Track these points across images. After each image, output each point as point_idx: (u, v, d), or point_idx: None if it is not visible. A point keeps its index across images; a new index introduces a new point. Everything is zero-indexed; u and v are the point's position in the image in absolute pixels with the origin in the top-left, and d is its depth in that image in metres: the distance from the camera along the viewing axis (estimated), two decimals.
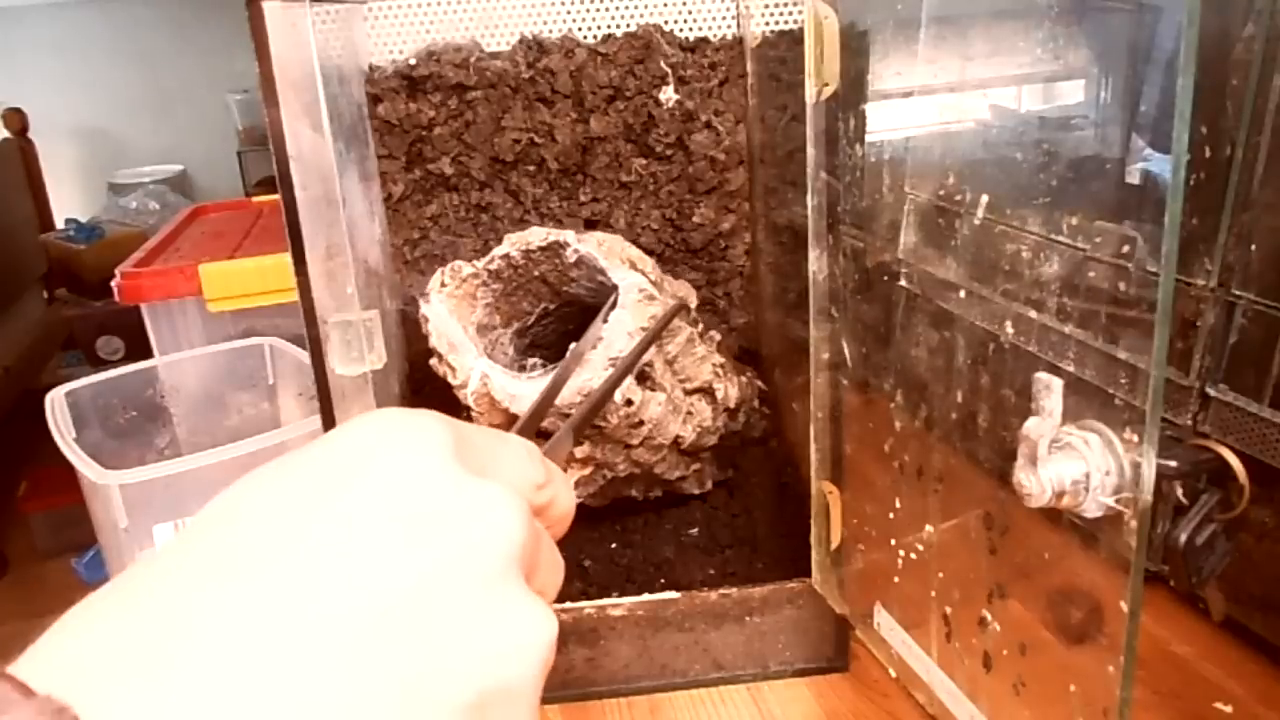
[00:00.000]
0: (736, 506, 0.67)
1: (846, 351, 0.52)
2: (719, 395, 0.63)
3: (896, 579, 0.49)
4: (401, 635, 0.18)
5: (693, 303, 0.67)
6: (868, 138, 0.48)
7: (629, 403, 0.54)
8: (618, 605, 0.56)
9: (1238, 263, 0.47)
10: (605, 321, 0.53)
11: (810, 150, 0.50)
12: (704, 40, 0.69)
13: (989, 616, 0.42)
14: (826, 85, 0.48)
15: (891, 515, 0.49)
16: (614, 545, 0.64)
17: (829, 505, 0.54)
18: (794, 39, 0.63)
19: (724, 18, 0.69)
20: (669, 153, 0.70)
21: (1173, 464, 0.46)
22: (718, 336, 0.67)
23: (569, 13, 0.68)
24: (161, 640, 0.16)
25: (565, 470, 0.27)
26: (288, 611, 0.17)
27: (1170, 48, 0.30)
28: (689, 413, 0.61)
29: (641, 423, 0.56)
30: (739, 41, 0.69)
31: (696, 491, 0.66)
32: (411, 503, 0.19)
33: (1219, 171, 0.47)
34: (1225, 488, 0.46)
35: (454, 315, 0.57)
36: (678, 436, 0.60)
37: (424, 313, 0.57)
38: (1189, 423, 0.51)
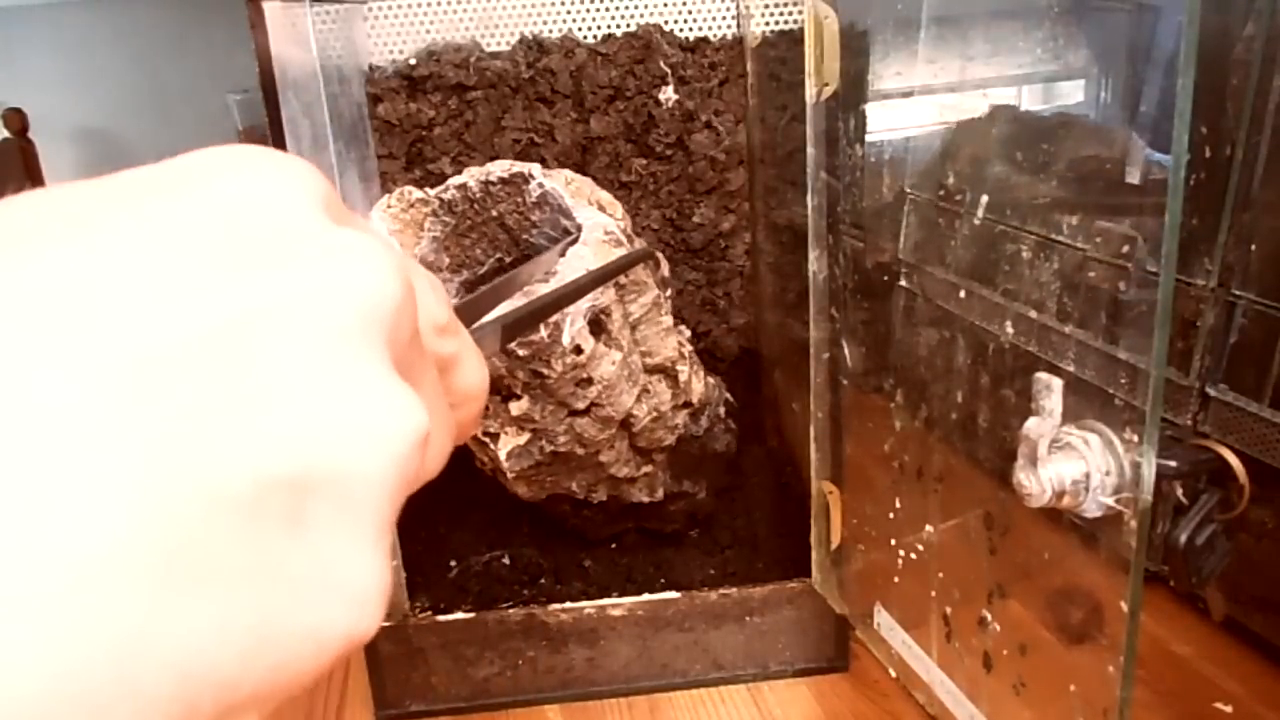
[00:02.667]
0: (736, 507, 0.67)
1: (846, 351, 0.52)
2: (681, 379, 0.56)
3: (896, 579, 0.49)
4: (199, 371, 0.13)
5: (664, 267, 0.60)
6: (868, 138, 0.48)
7: (578, 350, 0.48)
8: (618, 605, 0.56)
9: (1238, 263, 0.47)
10: (562, 256, 0.47)
11: (810, 150, 0.50)
12: (704, 40, 0.69)
13: (989, 616, 0.42)
14: (826, 85, 0.49)
15: (891, 515, 0.49)
16: (614, 545, 0.64)
17: (829, 505, 0.54)
18: (794, 39, 0.63)
19: (724, 18, 0.69)
20: (669, 153, 0.70)
21: (1173, 464, 0.46)
22: (687, 331, 0.62)
23: (569, 13, 0.68)
24: None
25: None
26: (40, 302, 0.13)
27: (1170, 48, 0.30)
28: (646, 390, 0.54)
29: (590, 380, 0.49)
30: (739, 41, 0.69)
31: (646, 499, 0.60)
32: (256, 223, 0.15)
33: (1219, 171, 0.47)
34: (1225, 488, 0.46)
35: (393, 238, 0.51)
36: (630, 415, 0.53)
37: None
38: (1189, 423, 0.51)
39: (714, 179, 0.71)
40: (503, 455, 0.52)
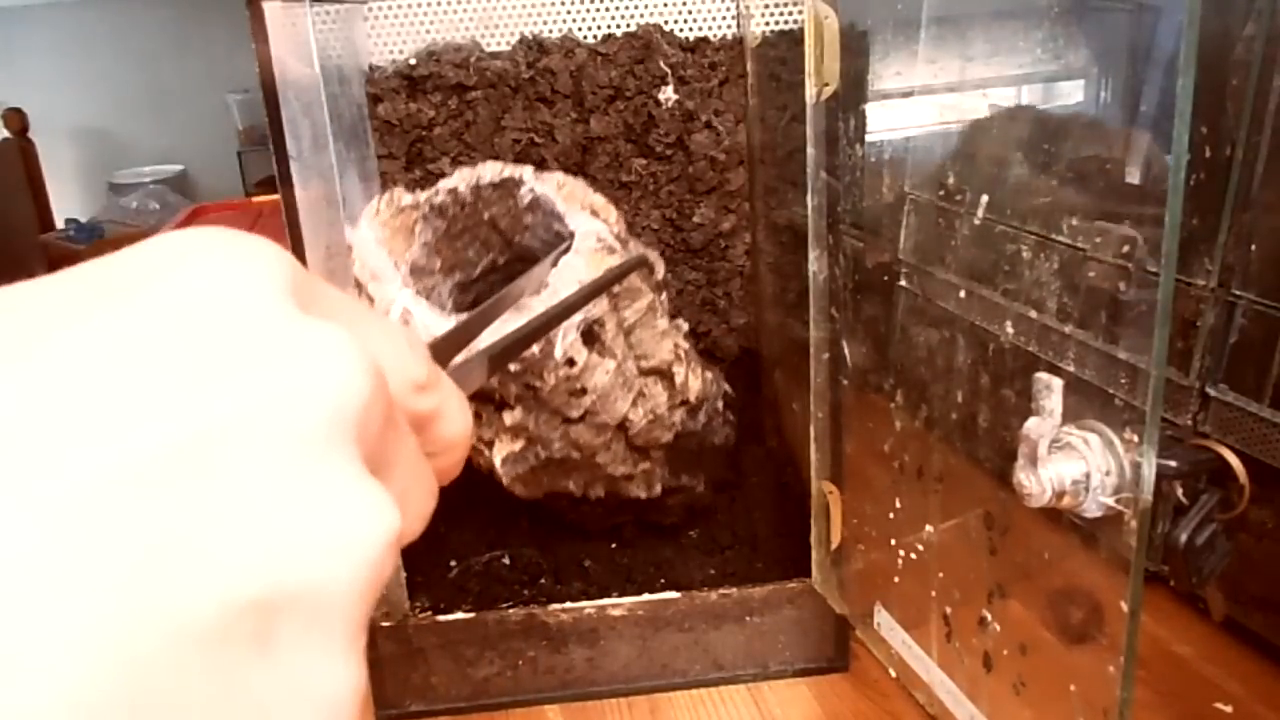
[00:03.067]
0: (736, 506, 0.67)
1: (846, 351, 0.52)
2: (677, 381, 0.56)
3: (896, 579, 0.49)
4: (158, 496, 0.12)
5: (659, 269, 0.59)
6: (868, 138, 0.48)
7: (570, 363, 0.47)
8: (618, 605, 0.56)
9: (1238, 263, 0.48)
10: (554, 266, 0.46)
11: (810, 150, 0.50)
12: (704, 40, 0.69)
13: (989, 616, 0.42)
14: (826, 85, 0.49)
15: (891, 515, 0.49)
16: (614, 545, 0.64)
17: (829, 505, 0.54)
18: (794, 39, 0.63)
19: (724, 18, 0.69)
20: (669, 153, 0.70)
21: (1173, 464, 0.46)
22: (685, 325, 0.61)
23: (569, 13, 0.68)
24: None
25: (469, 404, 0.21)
26: None
27: (1170, 48, 0.30)
28: (641, 394, 0.54)
29: (584, 390, 0.49)
30: (739, 41, 0.69)
31: (643, 495, 0.59)
32: (215, 326, 0.14)
33: (1219, 171, 0.47)
34: (1225, 488, 0.46)
35: (383, 246, 0.50)
36: (626, 419, 0.53)
37: (349, 239, 0.49)
38: (1189, 423, 0.51)
39: (714, 179, 0.71)
40: (498, 462, 0.52)
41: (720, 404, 0.63)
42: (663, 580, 0.60)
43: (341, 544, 0.14)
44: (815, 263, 0.52)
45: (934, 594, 0.46)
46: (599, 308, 0.48)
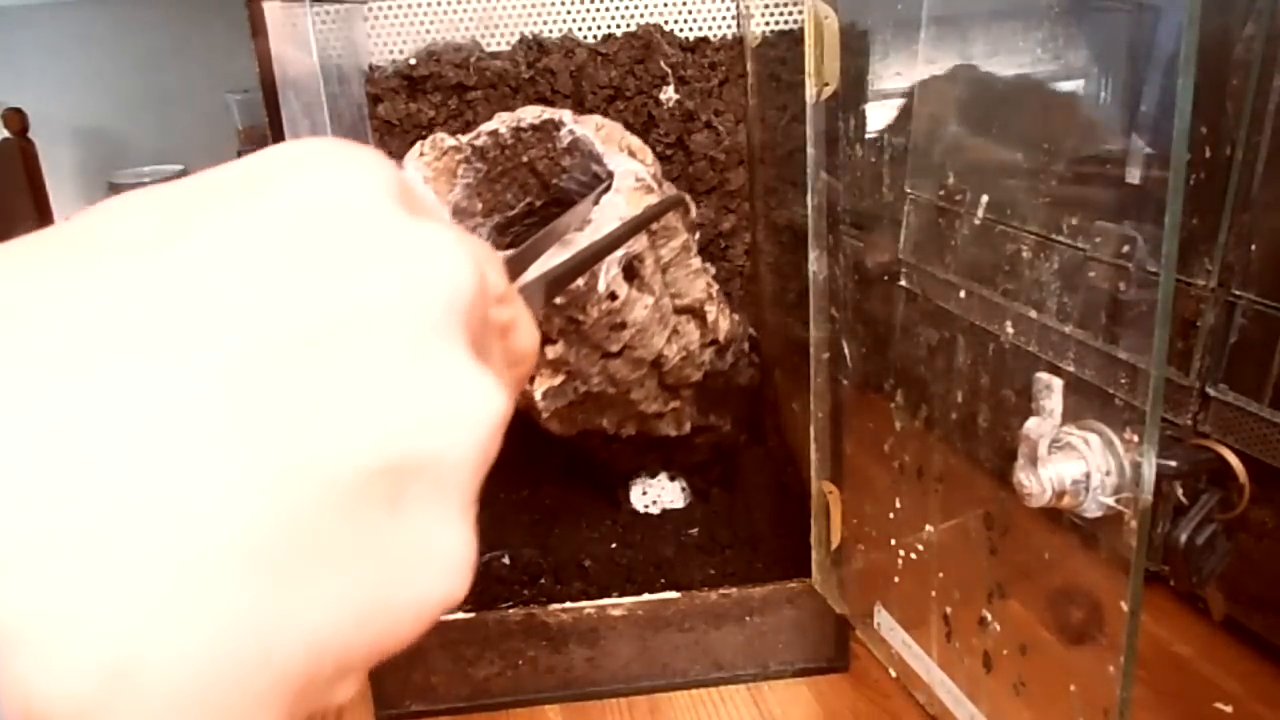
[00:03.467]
0: (737, 506, 0.67)
1: (846, 351, 0.52)
2: (709, 319, 0.57)
3: (896, 579, 0.49)
4: (304, 370, 0.14)
5: (693, 211, 0.60)
6: (868, 138, 0.48)
7: (613, 296, 0.48)
8: (618, 605, 0.56)
9: (1238, 263, 0.47)
10: (596, 204, 0.47)
11: (810, 150, 0.50)
12: (704, 40, 0.69)
13: (989, 616, 0.42)
14: (826, 85, 0.49)
15: (891, 515, 0.49)
16: (614, 545, 0.64)
17: (829, 505, 0.54)
18: (794, 39, 0.63)
19: (724, 18, 0.69)
20: (669, 153, 0.70)
21: (1173, 464, 0.46)
22: (712, 269, 0.62)
23: (569, 13, 0.68)
24: None
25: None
26: (151, 309, 0.13)
27: (1170, 48, 0.30)
28: (675, 331, 0.55)
29: (624, 325, 0.50)
30: (739, 41, 0.69)
31: (673, 433, 0.60)
32: (338, 224, 0.15)
33: (1219, 171, 0.47)
34: (1225, 488, 0.46)
35: (429, 187, 0.51)
36: (660, 355, 0.54)
37: None
38: (1189, 423, 0.51)
39: (714, 179, 0.71)
40: (538, 395, 0.52)
41: (746, 345, 0.65)
42: (663, 580, 0.60)
43: (460, 420, 0.16)
44: (815, 263, 0.52)
45: (934, 594, 0.46)
46: (639, 244, 0.50)
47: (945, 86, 0.44)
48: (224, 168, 0.16)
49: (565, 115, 0.51)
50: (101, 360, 0.13)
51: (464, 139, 0.53)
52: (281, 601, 0.13)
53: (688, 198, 0.60)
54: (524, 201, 0.56)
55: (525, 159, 0.54)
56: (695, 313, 0.57)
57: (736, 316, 0.63)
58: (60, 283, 0.13)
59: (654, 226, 0.52)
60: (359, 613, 0.14)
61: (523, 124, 0.52)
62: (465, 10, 0.67)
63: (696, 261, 0.57)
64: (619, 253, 0.47)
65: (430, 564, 0.16)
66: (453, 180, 0.53)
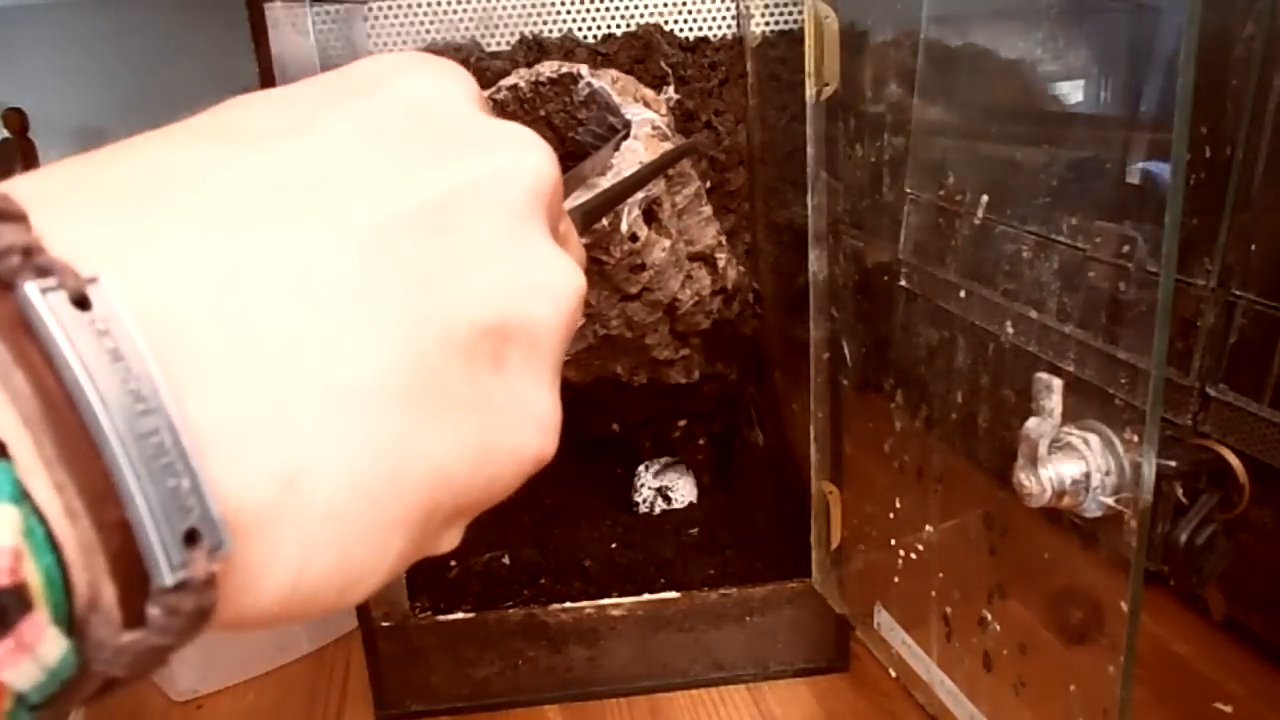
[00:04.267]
0: (737, 506, 0.67)
1: (846, 351, 0.52)
2: (720, 266, 0.59)
3: (896, 579, 0.49)
4: (423, 239, 0.16)
5: (704, 156, 0.63)
6: (868, 138, 0.48)
7: (634, 237, 0.50)
8: (618, 605, 0.56)
9: (1238, 263, 0.47)
10: (616, 150, 0.49)
11: (810, 150, 0.50)
12: (704, 40, 0.69)
13: (989, 616, 0.42)
14: (826, 85, 0.49)
15: (891, 515, 0.49)
16: (614, 545, 0.64)
17: (829, 505, 0.54)
18: (794, 39, 0.63)
19: (724, 18, 0.69)
20: None
21: (1173, 464, 0.46)
22: (718, 222, 0.64)
23: (569, 13, 0.68)
24: (143, 185, 0.14)
25: None
26: (295, 183, 0.15)
27: (1170, 48, 0.30)
28: (689, 276, 0.57)
29: (643, 266, 0.52)
30: (739, 41, 0.69)
31: (683, 380, 0.63)
32: (436, 118, 0.18)
33: (1219, 171, 0.47)
34: (1225, 488, 0.46)
35: None
36: (675, 300, 0.56)
37: None
38: (1189, 423, 0.51)
39: (714, 179, 0.71)
40: None
41: (751, 297, 0.67)
42: (663, 580, 0.60)
43: (548, 291, 0.18)
44: (815, 263, 0.52)
45: (934, 594, 0.46)
46: (657, 188, 0.51)
47: (944, 87, 0.44)
48: (325, 76, 0.18)
49: (583, 69, 0.53)
50: (260, 224, 0.14)
51: (486, 93, 0.54)
52: (413, 432, 0.15)
53: (700, 144, 0.62)
54: None
55: (543, 113, 0.55)
56: (706, 259, 0.59)
57: (742, 268, 0.65)
58: (217, 158, 0.15)
59: (670, 172, 0.53)
60: (473, 453, 0.16)
61: (541, 78, 0.54)
62: (465, 10, 0.67)
63: (708, 209, 0.59)
64: (639, 195, 0.50)
65: (526, 420, 0.18)
66: None
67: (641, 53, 0.68)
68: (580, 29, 0.68)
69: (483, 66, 0.67)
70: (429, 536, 0.16)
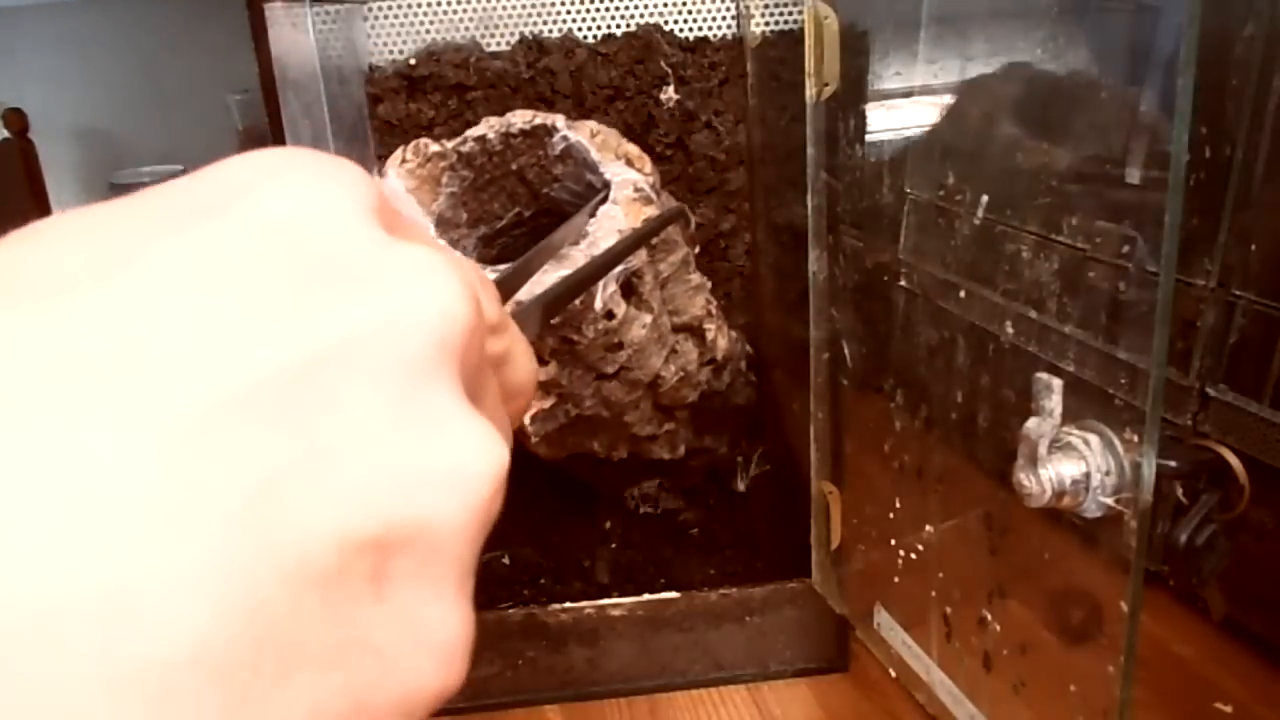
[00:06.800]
0: (737, 506, 0.67)
1: (846, 351, 0.52)
2: (708, 338, 0.54)
3: (896, 579, 0.49)
4: (268, 429, 0.11)
5: (692, 223, 0.57)
6: (868, 138, 0.48)
7: (610, 315, 0.46)
8: (618, 605, 0.56)
9: (1238, 263, 0.47)
10: (593, 216, 0.45)
11: (810, 150, 0.50)
12: (704, 40, 0.69)
13: (989, 616, 0.42)
14: (826, 85, 0.49)
15: (891, 515, 0.49)
16: (614, 545, 0.64)
17: (829, 505, 0.54)
18: (794, 39, 0.63)
19: (724, 18, 0.69)
20: (669, 153, 0.70)
21: (1173, 464, 0.46)
22: (709, 283, 0.60)
23: (569, 13, 0.68)
24: None
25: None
26: (82, 357, 0.11)
27: (1170, 48, 0.30)
28: (673, 350, 0.53)
29: (621, 345, 0.48)
30: (739, 41, 0.69)
31: (666, 456, 0.57)
32: (308, 248, 0.13)
33: (1219, 171, 0.47)
34: (1225, 488, 0.46)
35: (411, 196, 0.48)
36: (658, 377, 0.51)
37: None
38: (1189, 423, 0.51)
39: (714, 179, 0.71)
40: (527, 420, 0.50)
41: (744, 364, 0.62)
42: (663, 580, 0.60)
43: (454, 479, 0.13)
44: (815, 263, 0.52)
45: (934, 594, 0.46)
46: (637, 258, 0.47)
47: (944, 87, 0.44)
48: (174, 183, 0.14)
49: (559, 120, 0.49)
50: (21, 421, 0.10)
51: (449, 144, 0.50)
52: (244, 718, 0.11)
53: (687, 209, 0.57)
54: (512, 211, 0.53)
55: (515, 166, 0.51)
56: (694, 331, 0.54)
57: (735, 334, 0.60)
58: None
59: (654, 240, 0.50)
60: (340, 715, 0.12)
61: (513, 129, 0.49)
62: (465, 10, 0.67)
63: (696, 276, 0.54)
64: (617, 269, 0.45)
65: (419, 651, 0.13)
66: (437, 189, 0.50)
67: (641, 53, 0.68)
68: (580, 29, 0.68)
69: (483, 66, 0.67)
70: None
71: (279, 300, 0.12)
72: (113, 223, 0.13)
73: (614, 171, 0.48)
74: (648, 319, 0.49)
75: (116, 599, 0.10)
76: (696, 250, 0.56)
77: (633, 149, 0.52)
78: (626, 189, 0.47)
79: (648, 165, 0.52)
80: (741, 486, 0.67)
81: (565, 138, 0.49)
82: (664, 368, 0.52)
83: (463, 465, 0.13)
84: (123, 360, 0.11)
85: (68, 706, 0.09)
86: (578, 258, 0.43)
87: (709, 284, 0.58)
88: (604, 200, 0.46)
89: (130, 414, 0.11)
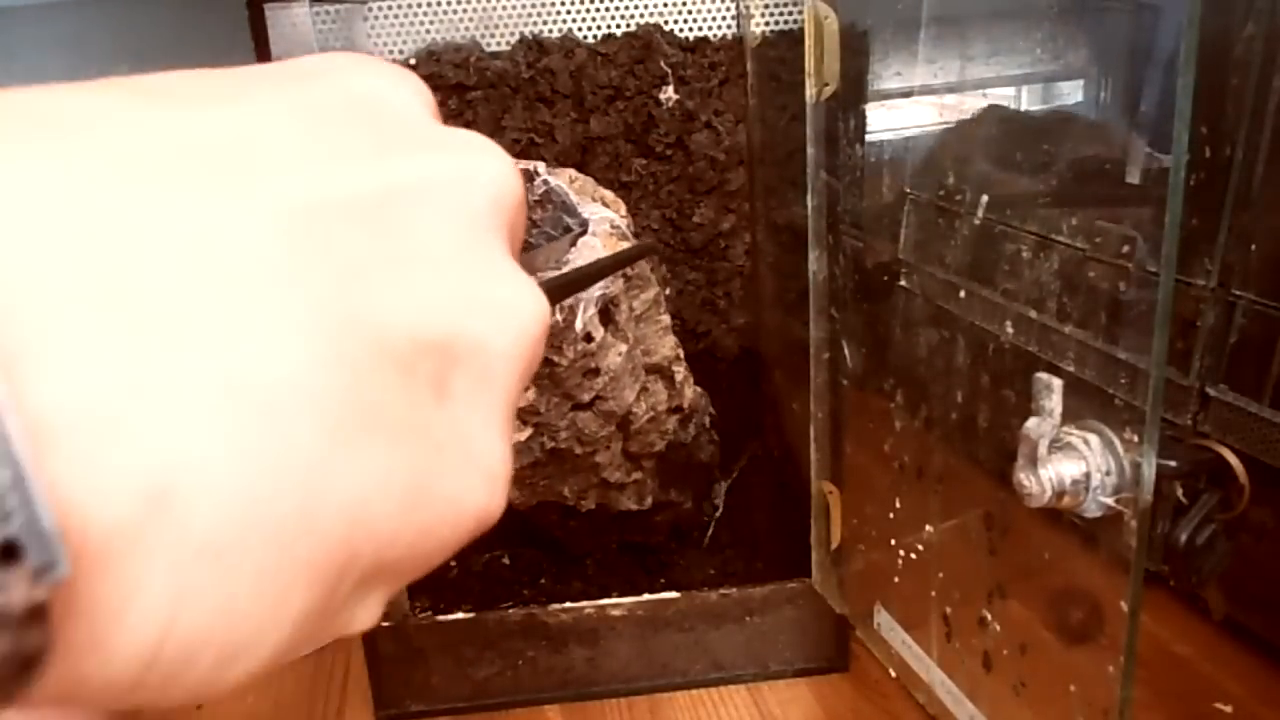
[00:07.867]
0: (736, 506, 0.67)
1: (846, 351, 0.52)
2: (677, 379, 0.56)
3: (896, 579, 0.49)
4: (359, 230, 0.13)
5: (663, 265, 0.59)
6: (868, 138, 0.48)
7: (589, 338, 0.47)
8: (618, 605, 0.56)
9: (1238, 263, 0.47)
10: (573, 246, 0.46)
11: (810, 150, 0.50)
12: (704, 40, 0.69)
13: (989, 616, 0.42)
14: (826, 85, 0.49)
15: (891, 515, 0.49)
16: (614, 545, 0.64)
17: (829, 505, 0.54)
18: (794, 39, 0.63)
19: (724, 18, 0.69)
20: (669, 153, 0.70)
21: (1173, 464, 0.46)
22: (674, 324, 0.61)
23: (569, 13, 0.68)
24: (4, 122, 0.12)
25: None
26: (208, 145, 0.13)
27: (1170, 48, 0.30)
28: (645, 388, 0.54)
29: (598, 371, 0.49)
30: (739, 41, 0.69)
31: (634, 506, 0.59)
32: (384, 114, 0.15)
33: (1219, 171, 0.47)
34: (1225, 488, 0.46)
35: None
36: (630, 412, 0.53)
37: None
38: (1189, 423, 0.51)
39: (714, 179, 0.71)
40: None
41: (707, 420, 0.64)
42: (663, 580, 0.60)
43: (507, 312, 0.15)
44: (815, 263, 0.52)
45: (934, 594, 0.46)
46: (615, 286, 0.49)
47: (944, 87, 0.44)
48: (270, 65, 0.16)
49: (539, 166, 0.51)
50: (154, 181, 0.12)
51: None
52: (329, 452, 0.12)
53: (660, 246, 0.59)
54: None
55: None
56: (663, 372, 0.56)
57: (699, 389, 0.62)
58: (115, 107, 0.13)
59: (629, 272, 0.51)
60: (403, 492, 0.13)
61: None
62: (465, 10, 0.67)
63: (666, 318, 0.56)
64: (596, 293, 0.47)
65: (471, 465, 0.14)
66: None
67: (641, 53, 0.68)
68: (580, 29, 0.68)
69: (483, 66, 0.67)
70: (340, 600, 0.13)
71: (366, 144, 0.14)
72: (227, 74, 0.15)
73: (591, 211, 0.50)
74: (623, 348, 0.51)
75: (235, 324, 0.11)
76: (668, 291, 0.58)
77: (608, 194, 0.54)
78: (604, 225, 0.49)
79: (622, 209, 0.54)
80: (705, 543, 0.67)
81: (545, 182, 0.51)
82: (636, 404, 0.54)
83: (516, 303, 0.15)
84: (240, 153, 0.13)
85: (191, 394, 0.11)
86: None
87: (674, 325, 0.60)
88: (583, 233, 0.48)
89: (250, 194, 0.12)
